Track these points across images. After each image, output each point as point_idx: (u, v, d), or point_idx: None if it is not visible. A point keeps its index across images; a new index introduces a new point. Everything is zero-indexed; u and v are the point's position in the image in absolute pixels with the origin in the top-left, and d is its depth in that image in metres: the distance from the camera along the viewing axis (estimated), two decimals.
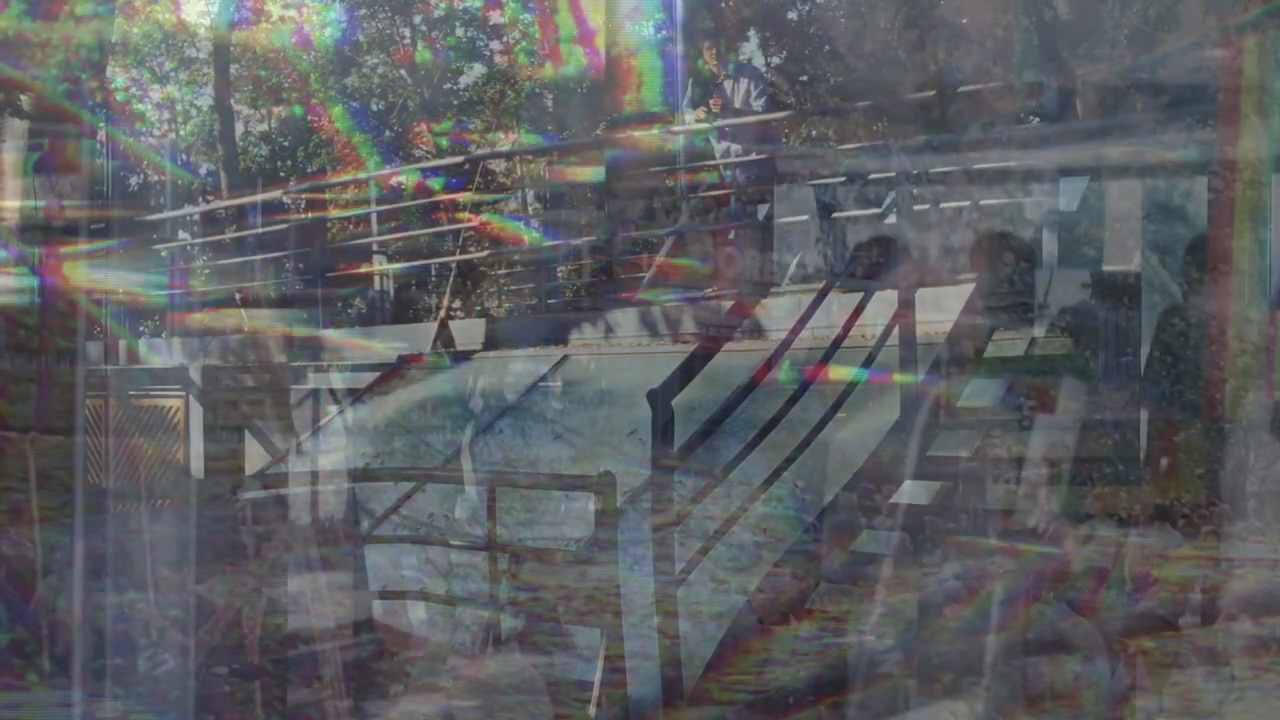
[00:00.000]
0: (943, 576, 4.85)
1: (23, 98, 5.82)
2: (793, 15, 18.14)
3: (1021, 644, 4.42)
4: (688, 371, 5.04)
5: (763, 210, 9.10)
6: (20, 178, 5.86)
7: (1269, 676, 4.16)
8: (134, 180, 20.51)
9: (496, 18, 21.05)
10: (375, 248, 12.45)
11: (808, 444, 5.32)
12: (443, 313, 9.82)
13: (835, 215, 8.24)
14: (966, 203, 7.35)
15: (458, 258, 10.72)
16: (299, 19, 20.21)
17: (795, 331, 5.55)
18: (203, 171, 20.97)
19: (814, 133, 16.08)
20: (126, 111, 20.18)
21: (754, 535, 5.38)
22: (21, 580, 5.15)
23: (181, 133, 21.19)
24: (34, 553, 5.08)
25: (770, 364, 5.29)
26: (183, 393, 10.55)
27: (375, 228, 12.47)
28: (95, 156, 6.50)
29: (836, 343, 5.60)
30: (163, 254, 13.24)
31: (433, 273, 14.29)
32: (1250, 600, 4.48)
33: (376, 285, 13.10)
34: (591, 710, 4.50)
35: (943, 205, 7.23)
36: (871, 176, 8.03)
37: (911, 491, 5.54)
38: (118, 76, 19.70)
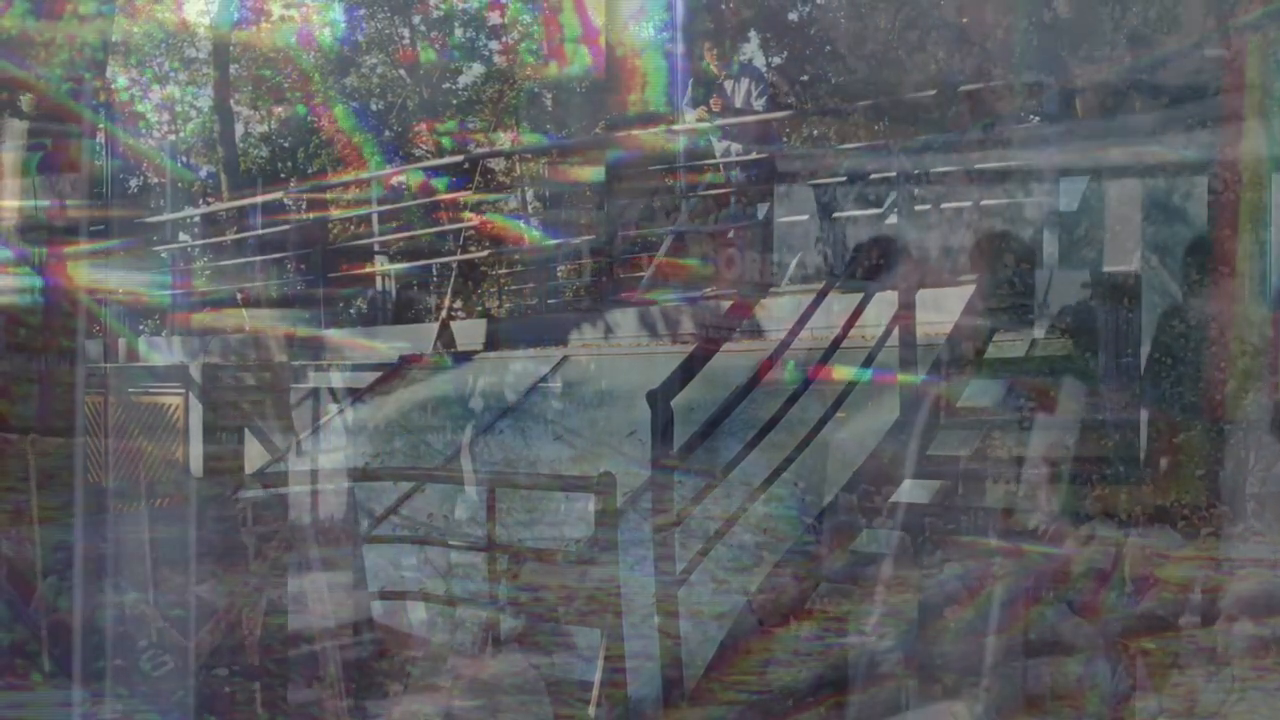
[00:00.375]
0: (943, 577, 4.85)
1: (23, 98, 5.81)
2: (794, 16, 18.14)
3: (1022, 645, 4.41)
4: (686, 372, 5.03)
5: (762, 210, 9.08)
6: (21, 178, 5.85)
7: (1271, 677, 4.15)
8: (134, 183, 20.50)
9: (496, 18, 21.06)
10: (377, 248, 12.45)
11: (806, 444, 5.31)
12: (444, 313, 9.82)
13: (835, 216, 8.23)
14: (967, 203, 7.33)
15: (459, 257, 10.72)
16: (299, 19, 20.20)
17: (794, 332, 5.54)
18: (203, 173, 20.97)
19: (815, 132, 16.08)
20: (127, 112, 20.17)
21: (754, 536, 5.37)
22: (23, 580, 5.14)
23: (181, 134, 21.18)
24: (34, 552, 5.07)
25: (769, 364, 5.28)
26: (182, 390, 10.54)
27: (376, 228, 12.46)
28: (96, 157, 6.49)
29: (836, 343, 5.60)
30: (163, 255, 13.23)
31: (434, 273, 14.29)
32: (1251, 601, 4.48)
33: (378, 285, 13.10)
34: (591, 710, 4.50)
35: (943, 206, 7.21)
36: (872, 177, 8.02)
37: (911, 492, 5.54)
38: (118, 77, 19.69)
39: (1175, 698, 4.10)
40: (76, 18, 5.65)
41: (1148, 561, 4.72)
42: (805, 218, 8.56)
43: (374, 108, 21.26)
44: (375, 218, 12.50)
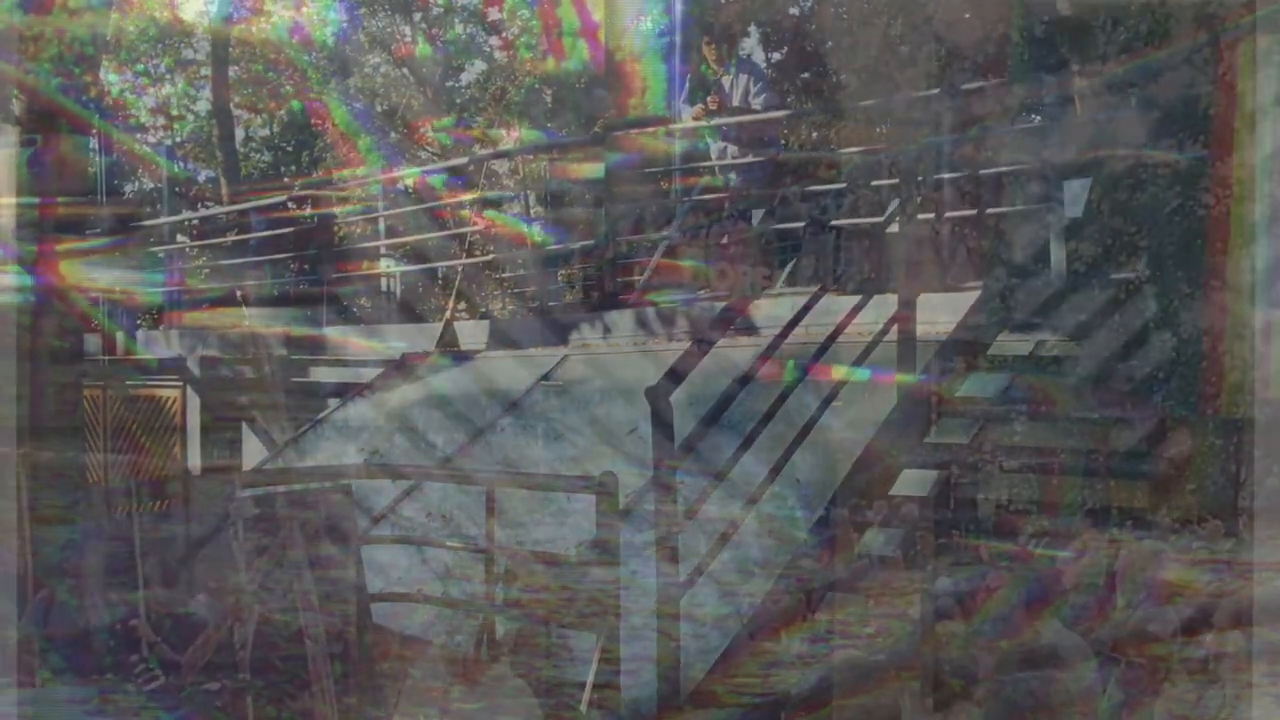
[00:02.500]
0: (945, 582, 4.83)
1: (15, 99, 5.78)
2: (794, 11, 18.06)
3: (1026, 650, 4.38)
4: (680, 371, 4.97)
5: (758, 216, 9.05)
6: (13, 175, 5.83)
7: (1274, 686, 4.12)
8: (130, 186, 20.45)
9: (495, 14, 21.01)
10: (383, 250, 12.44)
11: (799, 442, 5.29)
12: (448, 313, 9.84)
13: (835, 218, 8.20)
14: (970, 209, 7.32)
15: (464, 261, 10.70)
16: (299, 17, 20.11)
17: (790, 328, 5.48)
18: (201, 177, 20.89)
19: (815, 135, 16.04)
20: (122, 111, 20.11)
21: (757, 537, 5.34)
22: (32, 579, 5.13)
23: (178, 136, 21.11)
24: (28, 556, 5.06)
25: (764, 360, 5.25)
26: (180, 384, 10.51)
27: (383, 228, 12.42)
28: (89, 153, 6.46)
29: (832, 337, 5.57)
30: (159, 255, 13.22)
31: (439, 275, 14.23)
32: (1262, 605, 4.45)
33: (384, 286, 13.07)
34: (583, 709, 4.47)
35: (946, 210, 7.20)
36: (872, 181, 8.00)
37: (910, 484, 5.52)
38: (113, 75, 19.63)
39: (1185, 704, 4.07)
40: (67, 11, 5.61)
41: (1155, 565, 4.69)
42: (803, 221, 8.54)
43: (378, 109, 21.22)
44: (381, 220, 12.47)
